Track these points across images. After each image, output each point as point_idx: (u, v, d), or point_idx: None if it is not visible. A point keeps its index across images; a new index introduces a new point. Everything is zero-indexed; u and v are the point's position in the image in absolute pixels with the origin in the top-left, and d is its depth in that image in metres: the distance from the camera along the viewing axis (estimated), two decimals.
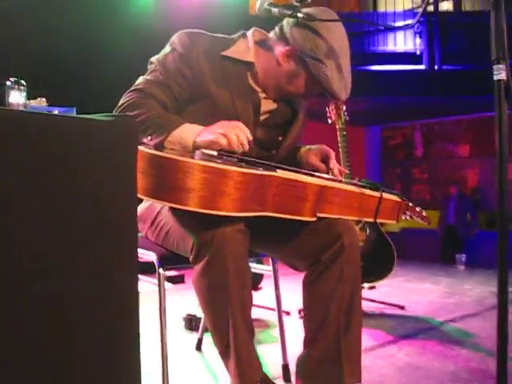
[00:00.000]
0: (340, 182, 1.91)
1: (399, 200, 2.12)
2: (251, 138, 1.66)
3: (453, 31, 7.49)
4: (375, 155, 11.52)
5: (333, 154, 2.01)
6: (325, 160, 2.01)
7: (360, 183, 2.01)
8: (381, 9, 8.32)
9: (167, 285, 4.45)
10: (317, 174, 1.88)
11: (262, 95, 1.92)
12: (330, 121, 3.63)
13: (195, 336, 2.78)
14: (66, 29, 4.35)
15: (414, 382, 2.22)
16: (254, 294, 3.40)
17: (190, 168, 1.42)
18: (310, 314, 1.90)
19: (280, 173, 1.61)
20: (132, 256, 1.06)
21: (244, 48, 1.90)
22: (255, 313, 3.35)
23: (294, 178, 1.63)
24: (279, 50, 1.83)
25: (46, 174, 0.88)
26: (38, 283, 0.95)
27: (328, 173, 1.98)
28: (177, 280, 4.17)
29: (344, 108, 3.63)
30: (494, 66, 1.31)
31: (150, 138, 1.68)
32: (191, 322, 3.03)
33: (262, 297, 3.43)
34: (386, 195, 2.02)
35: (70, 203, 0.90)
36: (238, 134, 1.62)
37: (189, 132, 1.67)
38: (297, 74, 1.83)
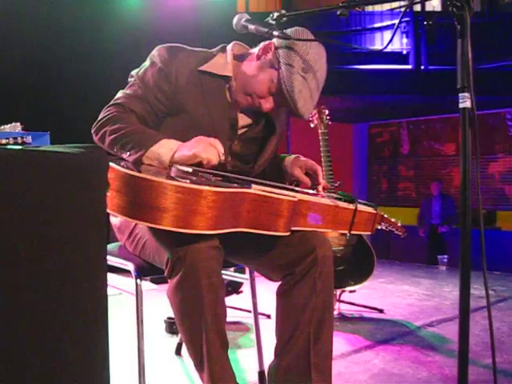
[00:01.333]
0: (315, 195, 1.94)
1: (374, 212, 2.16)
2: (223, 157, 1.69)
3: (440, 31, 7.52)
4: (362, 152, 11.57)
5: (320, 170, 2.04)
6: (310, 174, 2.04)
7: (335, 196, 2.05)
8: (368, 8, 8.34)
9: (151, 285, 4.48)
10: (292, 187, 1.91)
11: (239, 109, 1.95)
12: (312, 125, 3.66)
13: (175, 340, 2.80)
14: (40, 52, 4.34)
15: None
16: (236, 297, 3.48)
17: (163, 188, 1.44)
18: (282, 324, 1.93)
19: (254, 189, 1.63)
20: (101, 280, 1.08)
21: (222, 62, 1.92)
22: (236, 316, 3.40)
23: (268, 195, 1.66)
24: (258, 47, 1.87)
25: (9, 211, 0.90)
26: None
27: (312, 187, 2.02)
28: (161, 280, 4.17)
29: (326, 112, 3.66)
30: (460, 94, 1.35)
31: (128, 153, 1.70)
32: (172, 326, 3.05)
33: (244, 300, 3.46)
34: (360, 207, 2.06)
35: (35, 241, 0.93)
36: (210, 154, 1.64)
37: (166, 148, 1.69)
38: (265, 69, 1.84)
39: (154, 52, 1.88)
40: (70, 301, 1.08)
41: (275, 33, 1.77)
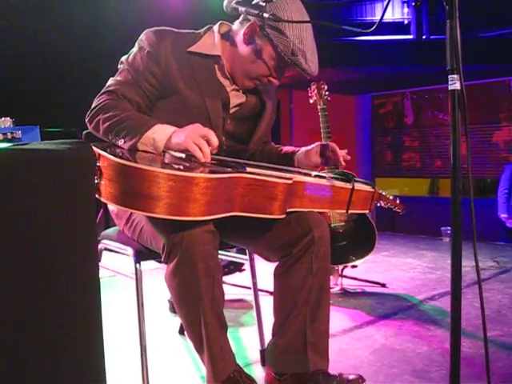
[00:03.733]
0: (310, 175, 1.94)
1: (372, 190, 2.16)
2: (216, 145, 1.68)
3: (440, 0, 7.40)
4: (366, 123, 11.51)
5: (335, 146, 2.05)
6: (325, 154, 2.05)
7: (332, 175, 2.06)
8: None
9: (155, 264, 4.52)
10: (289, 168, 1.91)
11: (230, 88, 1.96)
12: (311, 100, 3.64)
13: (179, 319, 2.83)
14: (28, 46, 4.28)
15: (387, 365, 2.29)
16: (239, 274, 3.50)
17: (155, 177, 1.45)
18: (279, 304, 1.97)
19: (248, 173, 1.63)
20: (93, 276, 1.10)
21: (210, 42, 1.93)
22: (239, 293, 3.43)
23: (262, 179, 1.66)
24: (242, 31, 1.87)
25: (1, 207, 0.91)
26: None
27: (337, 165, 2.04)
28: None
29: (325, 88, 3.63)
30: (449, 76, 1.34)
31: (123, 140, 1.71)
32: None
33: (247, 277, 3.48)
34: (358, 186, 2.06)
35: (24, 238, 0.94)
36: (203, 144, 1.63)
37: (161, 133, 1.70)
38: (261, 51, 1.85)
39: (142, 36, 1.89)
40: (61, 288, 1.10)
41: (266, 15, 1.76)
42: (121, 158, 1.49)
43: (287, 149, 2.16)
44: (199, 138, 1.63)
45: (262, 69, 1.88)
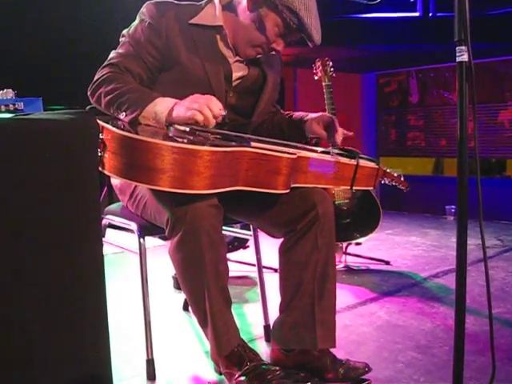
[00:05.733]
0: (315, 151, 1.93)
1: (376, 167, 2.15)
2: (224, 112, 1.67)
3: None
4: (371, 102, 11.42)
5: (335, 120, 2.03)
6: (329, 127, 2.04)
7: (337, 151, 2.04)
8: None
9: (159, 241, 4.52)
10: (294, 143, 1.90)
11: (233, 60, 1.94)
12: (316, 77, 3.61)
13: (183, 296, 2.83)
14: (29, 18, 4.21)
15: (390, 341, 2.30)
16: (243, 251, 3.50)
17: (159, 149, 1.44)
18: (285, 281, 1.96)
19: (252, 147, 1.63)
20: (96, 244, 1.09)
21: (212, 13, 1.91)
22: (244, 270, 3.44)
23: (266, 153, 1.65)
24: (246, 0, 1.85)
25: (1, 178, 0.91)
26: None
27: (330, 141, 2.03)
28: None
29: (330, 64, 3.60)
30: (457, 48, 1.32)
31: (124, 114, 1.69)
32: None
33: (251, 254, 3.48)
34: (362, 162, 2.05)
35: (24, 214, 0.94)
36: (211, 107, 1.63)
37: (162, 106, 1.69)
38: (265, 17, 1.83)
39: (143, 9, 1.88)
40: (65, 263, 1.09)
41: None
42: (124, 130, 1.49)
43: (297, 115, 2.13)
44: (203, 105, 1.62)
45: (266, 36, 1.85)
